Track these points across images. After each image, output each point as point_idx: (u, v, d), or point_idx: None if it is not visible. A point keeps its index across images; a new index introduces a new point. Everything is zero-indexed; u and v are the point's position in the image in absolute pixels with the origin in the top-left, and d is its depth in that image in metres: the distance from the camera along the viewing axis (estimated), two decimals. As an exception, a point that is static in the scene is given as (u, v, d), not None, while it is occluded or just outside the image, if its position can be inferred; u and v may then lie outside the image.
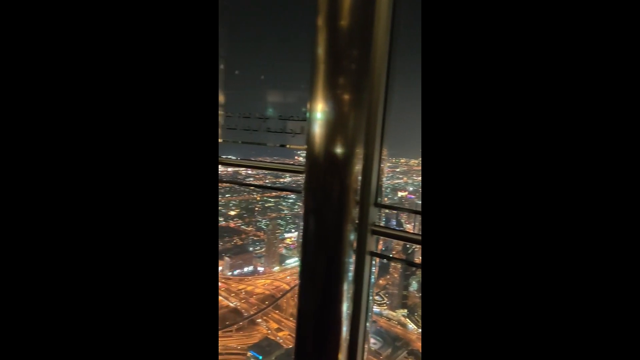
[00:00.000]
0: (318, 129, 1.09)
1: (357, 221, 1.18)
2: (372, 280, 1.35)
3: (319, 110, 1.09)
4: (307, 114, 1.11)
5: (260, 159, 1.68)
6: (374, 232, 1.29)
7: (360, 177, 1.16)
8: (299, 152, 1.80)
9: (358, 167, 1.13)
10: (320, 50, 1.09)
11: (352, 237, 1.18)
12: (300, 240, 1.19)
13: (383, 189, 1.25)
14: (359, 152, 1.13)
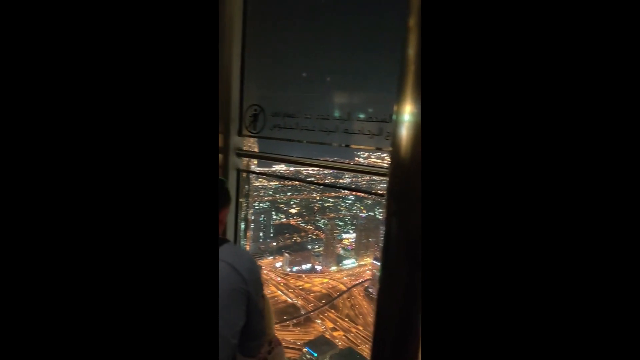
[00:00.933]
0: (405, 131, 1.07)
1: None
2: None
3: (408, 112, 1.06)
4: (394, 116, 1.09)
5: (321, 158, 1.69)
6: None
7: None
8: (358, 153, 1.78)
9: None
10: (411, 51, 1.07)
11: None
12: (381, 245, 1.18)
13: None
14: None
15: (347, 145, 1.64)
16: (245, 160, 1.82)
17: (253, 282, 0.88)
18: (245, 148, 1.79)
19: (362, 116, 1.58)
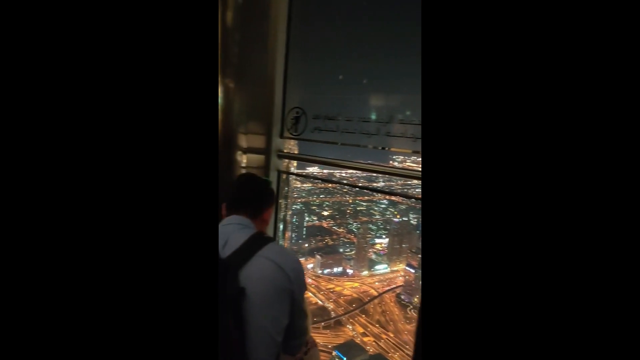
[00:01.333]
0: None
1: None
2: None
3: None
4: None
5: (358, 161, 1.68)
6: None
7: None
8: (393, 157, 1.74)
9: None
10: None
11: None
12: (418, 251, 1.15)
13: None
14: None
15: (383, 148, 1.62)
16: (285, 162, 1.85)
17: (298, 282, 0.89)
18: (286, 150, 1.82)
19: (401, 119, 1.56)
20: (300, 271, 0.91)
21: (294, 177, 1.99)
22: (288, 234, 2.05)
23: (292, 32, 1.70)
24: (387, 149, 1.61)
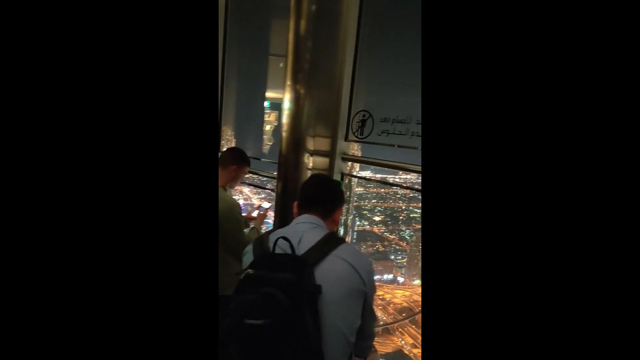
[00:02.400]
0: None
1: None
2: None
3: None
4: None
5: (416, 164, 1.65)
6: None
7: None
8: None
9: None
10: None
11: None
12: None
13: None
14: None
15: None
16: (348, 165, 1.87)
17: (370, 284, 0.89)
18: (350, 153, 1.84)
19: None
20: (372, 273, 0.91)
21: (355, 181, 2.00)
22: (348, 238, 2.06)
23: (361, 36, 1.72)
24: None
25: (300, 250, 0.88)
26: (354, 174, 1.95)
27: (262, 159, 2.30)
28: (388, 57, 1.74)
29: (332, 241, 0.91)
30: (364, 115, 1.76)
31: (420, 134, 1.58)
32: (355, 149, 1.89)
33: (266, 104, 2.44)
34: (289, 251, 0.87)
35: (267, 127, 2.52)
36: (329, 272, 0.85)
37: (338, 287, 0.84)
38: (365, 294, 0.87)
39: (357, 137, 1.75)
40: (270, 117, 2.51)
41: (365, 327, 0.92)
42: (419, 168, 1.60)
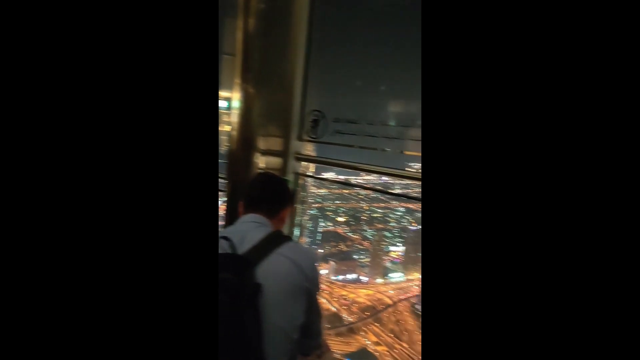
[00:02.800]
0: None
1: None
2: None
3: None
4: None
5: (373, 165, 1.68)
6: None
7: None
8: (410, 164, 1.73)
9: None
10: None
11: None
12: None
13: None
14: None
15: (401, 152, 1.61)
16: (302, 165, 1.87)
17: (314, 280, 0.89)
18: (304, 153, 1.85)
19: (413, 124, 1.57)
20: (316, 269, 0.92)
21: (310, 181, 2.00)
22: (303, 239, 2.06)
23: (313, 35, 1.73)
24: (403, 152, 1.60)
25: (243, 249, 0.87)
26: (308, 173, 1.96)
27: (221, 160, 2.25)
28: (341, 57, 1.77)
29: (276, 239, 0.91)
30: (316, 115, 1.77)
31: (376, 135, 1.62)
32: (309, 149, 1.89)
33: (225, 104, 2.39)
34: (230, 251, 0.86)
35: (227, 128, 2.46)
36: (271, 270, 0.84)
37: (279, 284, 0.84)
38: (309, 291, 0.88)
39: (310, 136, 1.76)
40: (230, 118, 2.45)
41: (311, 325, 0.92)
42: (376, 168, 1.64)
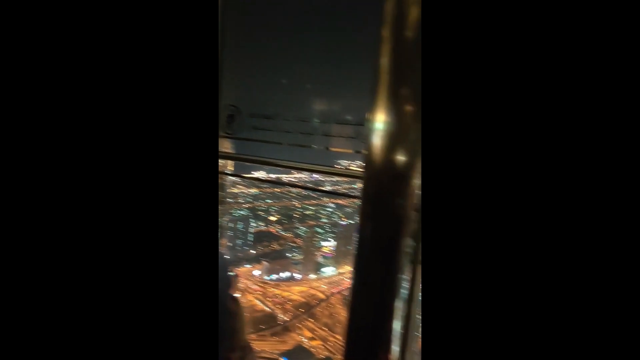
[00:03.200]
0: (378, 139, 1.08)
1: (415, 229, 1.15)
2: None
3: (380, 121, 1.08)
4: (368, 123, 1.11)
5: (296, 161, 1.68)
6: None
7: (418, 186, 1.13)
8: (338, 161, 1.79)
9: (417, 176, 1.10)
10: (384, 61, 1.09)
11: (410, 245, 1.15)
12: (355, 251, 1.18)
13: None
14: (419, 164, 1.10)
15: (327, 148, 1.63)
16: (220, 165, 1.79)
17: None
18: (222, 151, 1.76)
19: (345, 120, 1.60)
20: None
21: (239, 181, 1.93)
22: (225, 240, 1.98)
23: (227, 29, 1.65)
24: (329, 149, 1.62)
25: None
26: (226, 171, 1.88)
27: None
28: (257, 50, 1.72)
29: None
30: (231, 110, 1.70)
31: (300, 132, 1.60)
32: (226, 147, 1.81)
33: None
34: None
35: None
36: None
37: None
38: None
39: (226, 133, 1.68)
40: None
41: (222, 325, 0.88)
42: (298, 165, 1.63)
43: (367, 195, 1.15)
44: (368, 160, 1.12)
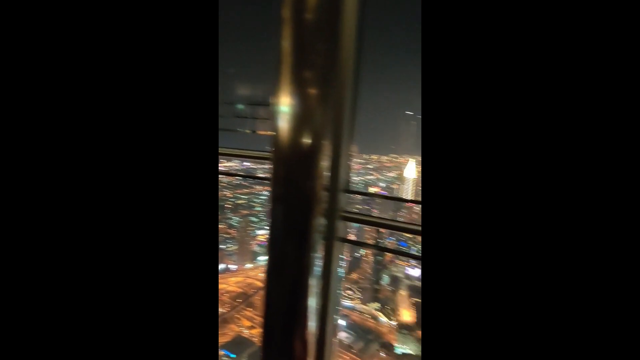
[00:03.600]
0: (284, 122, 1.09)
1: (326, 208, 1.18)
2: (342, 271, 1.37)
3: (285, 104, 1.08)
4: (273, 107, 1.10)
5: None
6: (344, 218, 1.30)
7: (327, 167, 1.17)
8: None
9: (325, 157, 1.14)
10: (286, 44, 1.08)
11: (322, 224, 1.19)
12: (268, 234, 1.18)
13: (355, 186, 1.25)
14: (326, 143, 1.14)
15: (254, 132, 1.60)
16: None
17: None
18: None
19: (242, 105, 1.58)
20: None
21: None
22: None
23: None
24: (256, 132, 1.59)
25: None
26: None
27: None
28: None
29: None
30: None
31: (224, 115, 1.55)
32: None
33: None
34: None
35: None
36: None
37: None
38: None
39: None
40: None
41: None
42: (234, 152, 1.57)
43: (277, 178, 1.15)
44: (275, 143, 1.12)
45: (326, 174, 1.17)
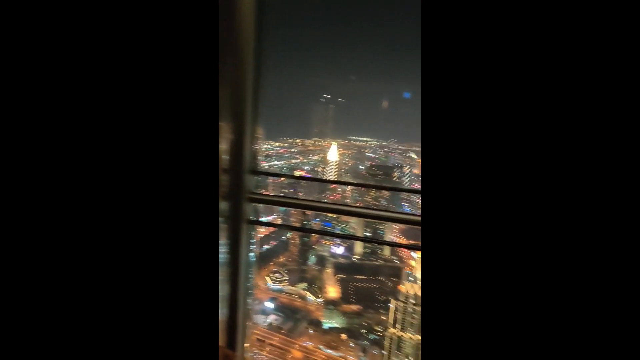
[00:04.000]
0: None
1: (229, 190, 1.16)
2: (252, 253, 1.36)
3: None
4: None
5: None
6: (252, 200, 1.30)
7: (227, 149, 1.14)
8: None
9: (224, 142, 1.11)
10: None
11: (225, 206, 1.17)
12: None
13: (281, 169, 1.23)
14: (224, 125, 1.11)
15: None
16: None
17: None
18: None
19: None
20: None
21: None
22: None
23: None
24: None
25: None
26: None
27: None
28: None
29: None
30: None
31: None
32: None
33: None
34: None
35: None
36: None
37: None
38: None
39: None
40: None
41: None
42: None
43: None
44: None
45: (224, 157, 1.14)
